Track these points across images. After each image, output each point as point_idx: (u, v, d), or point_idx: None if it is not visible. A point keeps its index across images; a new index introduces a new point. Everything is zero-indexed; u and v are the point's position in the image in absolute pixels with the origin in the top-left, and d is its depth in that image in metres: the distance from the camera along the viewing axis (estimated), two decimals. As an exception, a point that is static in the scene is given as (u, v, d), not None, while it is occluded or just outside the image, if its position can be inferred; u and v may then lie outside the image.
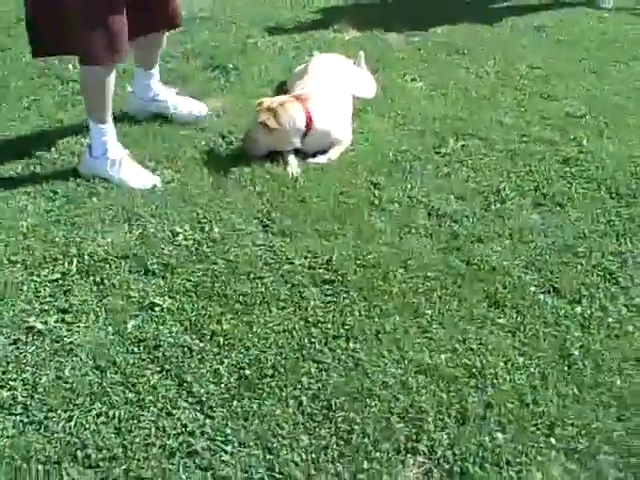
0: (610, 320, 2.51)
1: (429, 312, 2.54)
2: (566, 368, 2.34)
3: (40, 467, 2.03)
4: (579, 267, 2.75)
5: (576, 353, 2.38)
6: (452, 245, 2.87)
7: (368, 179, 3.29)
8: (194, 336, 2.45)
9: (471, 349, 2.40)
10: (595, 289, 2.65)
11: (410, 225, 2.99)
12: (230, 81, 4.26)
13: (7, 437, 2.12)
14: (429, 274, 2.72)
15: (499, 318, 2.53)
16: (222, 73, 4.35)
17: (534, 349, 2.40)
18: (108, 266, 2.77)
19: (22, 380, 2.31)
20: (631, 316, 2.53)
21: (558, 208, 3.10)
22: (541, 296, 2.62)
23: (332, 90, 3.59)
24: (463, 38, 4.86)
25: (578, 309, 2.56)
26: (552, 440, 2.11)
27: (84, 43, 3.03)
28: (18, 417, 2.19)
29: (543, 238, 2.91)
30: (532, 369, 2.33)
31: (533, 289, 2.65)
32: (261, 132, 3.35)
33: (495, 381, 2.28)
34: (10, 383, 2.30)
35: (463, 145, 3.55)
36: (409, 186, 3.23)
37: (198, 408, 2.20)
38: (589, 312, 2.55)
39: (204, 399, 2.23)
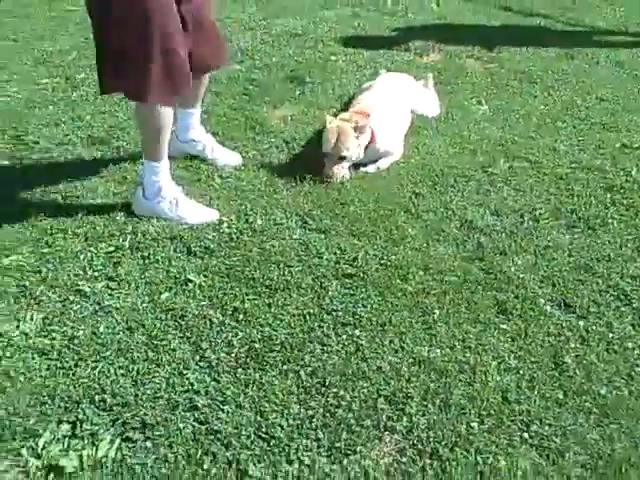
0: (612, 336, 2.59)
1: (437, 312, 2.69)
2: (556, 374, 2.43)
3: (62, 404, 2.31)
4: (594, 286, 2.83)
5: (569, 362, 2.47)
6: (476, 255, 3.00)
7: (411, 189, 3.47)
8: (217, 310, 2.70)
9: (468, 348, 2.53)
10: (605, 307, 2.72)
11: (440, 233, 3.14)
12: (304, 92, 4.53)
13: (40, 377, 2.42)
14: (446, 278, 2.86)
15: (503, 324, 2.64)
16: (299, 85, 4.63)
17: (529, 354, 2.51)
18: (156, 244, 3.06)
19: (62, 332, 2.61)
20: (634, 334, 2.60)
21: (590, 231, 3.17)
22: (549, 308, 2.72)
23: (388, 105, 3.78)
24: (539, 67, 4.96)
25: (581, 323, 2.64)
26: (526, 435, 2.22)
27: (143, 79, 2.93)
28: (52, 362, 2.48)
29: (566, 257, 2.99)
30: (522, 372, 2.44)
31: (543, 301, 2.75)
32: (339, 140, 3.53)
33: (483, 378, 2.41)
34: (52, 333, 2.60)
35: (510, 166, 3.67)
36: (448, 199, 3.39)
37: (207, 371, 2.44)
38: (593, 327, 2.63)
39: (214, 364, 2.46)
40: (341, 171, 3.50)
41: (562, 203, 3.37)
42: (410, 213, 3.29)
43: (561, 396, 2.35)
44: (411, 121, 4.00)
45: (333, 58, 5.10)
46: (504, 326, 2.63)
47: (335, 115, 3.71)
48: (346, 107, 4.01)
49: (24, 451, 2.15)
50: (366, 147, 3.64)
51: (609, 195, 3.42)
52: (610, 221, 3.23)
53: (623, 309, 2.72)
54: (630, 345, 2.55)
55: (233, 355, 2.50)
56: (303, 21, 5.89)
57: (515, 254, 3.01)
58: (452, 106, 4.33)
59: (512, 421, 2.26)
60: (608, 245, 3.07)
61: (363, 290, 2.80)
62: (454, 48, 5.28)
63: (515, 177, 3.58)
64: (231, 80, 4.69)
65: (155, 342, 2.56)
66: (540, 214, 3.27)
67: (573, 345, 2.55)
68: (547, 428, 2.24)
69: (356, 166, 3.64)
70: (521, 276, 2.88)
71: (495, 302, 2.75)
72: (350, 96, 4.35)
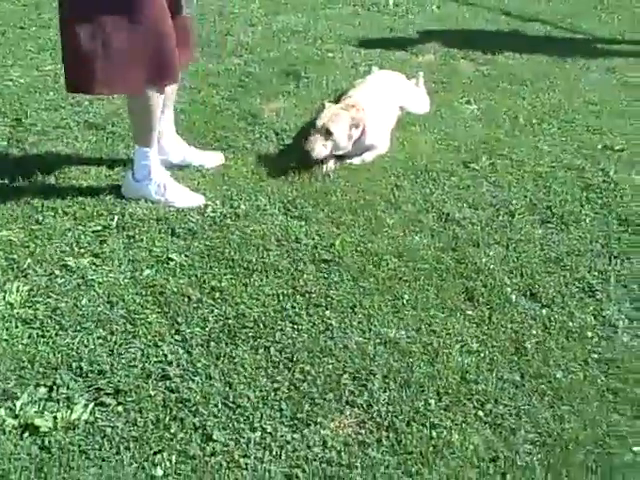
0: (572, 325, 2.69)
1: (406, 297, 2.80)
2: (516, 358, 2.53)
3: (41, 369, 2.43)
4: (561, 278, 2.93)
5: (529, 347, 2.57)
6: (449, 246, 3.11)
7: (393, 182, 3.57)
8: (196, 289, 2.81)
9: (433, 331, 2.64)
10: (569, 297, 2.82)
11: (417, 224, 3.24)
12: (299, 87, 4.64)
13: (21, 344, 2.54)
14: (419, 266, 2.97)
15: (469, 310, 2.75)
16: (294, 79, 4.74)
17: (492, 339, 2.61)
18: (142, 225, 3.18)
19: (45, 303, 2.73)
20: (595, 325, 2.69)
21: (563, 227, 3.26)
22: (515, 297, 2.81)
23: (376, 101, 3.89)
24: (531, 71, 5.05)
25: (545, 311, 2.74)
26: (481, 413, 2.32)
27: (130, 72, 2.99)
28: (34, 331, 2.60)
29: (537, 250, 3.09)
30: (483, 355, 2.54)
31: (509, 290, 2.85)
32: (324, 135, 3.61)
33: (445, 359, 2.51)
34: (35, 305, 2.72)
35: (492, 163, 3.77)
36: (428, 192, 3.49)
37: (181, 344, 2.55)
38: (555, 316, 2.72)
39: (188, 338, 2.57)
40: (322, 150, 3.58)
41: (539, 200, 3.47)
42: (390, 204, 3.39)
43: (518, 378, 2.45)
44: (399, 117, 4.09)
45: (330, 55, 5.20)
46: (470, 312, 2.73)
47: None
48: (336, 101, 4.11)
49: (2, 411, 2.27)
50: (355, 141, 3.74)
51: (585, 194, 3.52)
52: (583, 218, 3.32)
53: (587, 300, 2.82)
54: (589, 334, 2.65)
55: (207, 330, 2.61)
56: (304, 18, 6.01)
57: (487, 246, 3.11)
58: (441, 105, 4.44)
59: (469, 400, 2.36)
60: (579, 240, 3.17)
61: (337, 274, 2.91)
62: (450, 49, 5.38)
63: (495, 174, 3.68)
64: (228, 72, 4.81)
65: (133, 316, 2.67)
66: (516, 209, 3.36)
67: (534, 332, 2.65)
68: (502, 407, 2.34)
69: (341, 158, 3.74)
70: (491, 266, 2.97)
71: (464, 290, 2.85)
72: (342, 91, 4.45)
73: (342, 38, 5.56)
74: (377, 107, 3.89)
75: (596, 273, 2.96)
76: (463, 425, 2.28)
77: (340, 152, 3.69)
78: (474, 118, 4.32)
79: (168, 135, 3.58)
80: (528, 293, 2.85)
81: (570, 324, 2.68)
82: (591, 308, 2.77)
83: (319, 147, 3.58)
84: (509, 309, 2.76)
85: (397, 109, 4.08)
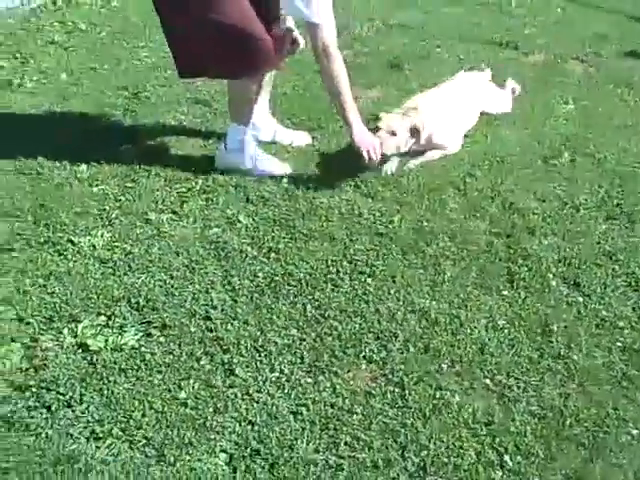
0: (606, 314, 2.72)
1: (448, 273, 2.92)
2: (539, 338, 2.61)
3: (104, 301, 2.76)
4: (609, 271, 2.95)
5: (555, 329, 2.64)
6: (505, 232, 3.19)
7: (466, 170, 3.68)
8: (254, 247, 3.07)
9: (465, 306, 2.75)
10: (612, 290, 2.84)
11: (479, 210, 3.34)
12: (399, 78, 4.80)
13: (93, 279, 2.89)
14: (468, 247, 3.08)
15: (505, 291, 2.84)
16: (397, 71, 4.91)
17: (520, 319, 2.69)
18: (221, 189, 3.47)
19: (122, 248, 3.07)
20: (630, 316, 2.71)
21: (628, 224, 3.26)
22: (556, 284, 2.87)
23: (451, 102, 3.94)
24: (641, 76, 4.96)
25: (581, 299, 2.78)
26: (489, 382, 2.43)
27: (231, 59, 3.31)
28: (107, 269, 2.95)
29: (592, 244, 3.12)
30: (507, 331, 2.63)
31: (552, 276, 2.91)
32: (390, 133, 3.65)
33: (468, 331, 2.63)
34: (113, 248, 3.07)
35: (572, 160, 3.79)
36: (499, 181, 3.57)
37: (229, 293, 2.81)
38: (592, 305, 2.76)
39: (236, 288, 2.83)
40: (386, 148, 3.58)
41: (610, 197, 3.47)
42: (457, 190, 3.51)
43: (536, 356, 2.53)
44: (477, 118, 4.14)
45: (438, 50, 5.33)
46: (506, 292, 2.82)
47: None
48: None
49: (65, 330, 2.61)
50: (421, 140, 3.73)
51: (660, 195, 3.48)
52: (651, 218, 3.29)
53: (630, 294, 2.84)
54: (621, 324, 2.67)
55: (254, 283, 2.86)
56: (423, 15, 6.15)
57: (543, 235, 3.17)
58: (537, 102, 4.47)
59: (480, 369, 2.47)
60: (638, 238, 3.15)
61: (387, 247, 3.07)
62: (562, 50, 5.36)
63: (572, 170, 3.70)
64: (335, 62, 5.02)
65: (193, 265, 2.96)
66: (582, 203, 3.38)
67: (565, 316, 2.70)
68: (511, 380, 2.43)
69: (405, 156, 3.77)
70: (540, 254, 3.04)
71: (506, 272, 2.94)
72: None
73: (454, 35, 5.66)
74: (446, 109, 3.89)
75: (646, 269, 2.95)
76: (468, 391, 2.39)
77: (402, 150, 3.71)
78: (567, 117, 4.32)
79: (262, 114, 3.86)
80: (571, 282, 2.89)
81: (604, 313, 2.72)
82: (632, 301, 2.79)
83: (387, 146, 3.57)
84: (546, 294, 2.82)
85: (476, 110, 4.13)
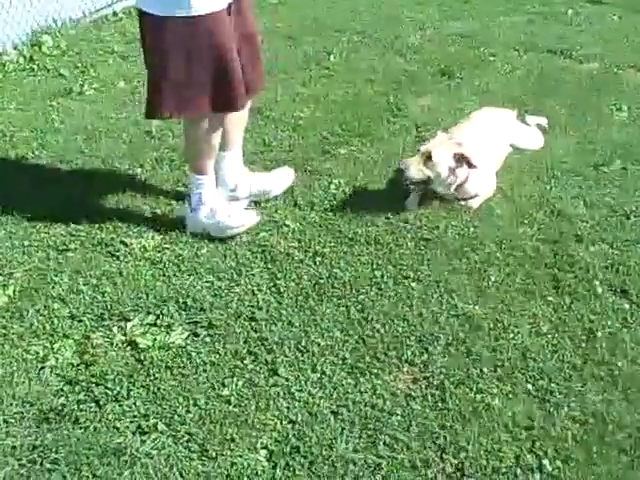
0: (654, 322, 2.68)
1: (493, 278, 2.93)
2: (583, 345, 2.59)
3: (154, 301, 2.85)
4: (659, 279, 2.91)
5: (600, 335, 2.61)
6: (552, 239, 3.17)
7: (515, 178, 3.66)
8: (300, 251, 3.12)
9: (509, 311, 2.75)
10: (661, 298, 2.81)
11: (527, 217, 3.33)
12: (450, 86, 4.81)
13: (144, 279, 2.98)
14: (515, 253, 3.07)
15: (551, 297, 2.82)
16: (448, 79, 4.92)
17: (565, 324, 2.68)
18: (275, 198, 3.51)
19: (172, 250, 3.16)
20: (681, 325, 2.67)
21: (677, 235, 3.21)
22: (602, 291, 2.85)
23: (482, 143, 3.56)
24: None
25: (628, 306, 2.75)
26: (530, 387, 2.42)
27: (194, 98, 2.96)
28: (157, 270, 3.06)
29: (640, 251, 3.08)
30: (551, 337, 2.62)
31: (598, 283, 2.88)
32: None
33: (511, 336, 2.62)
34: (164, 250, 3.17)
35: (624, 167, 3.74)
36: (547, 188, 3.56)
37: (274, 295, 2.87)
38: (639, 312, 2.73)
39: (282, 290, 2.88)
40: (416, 174, 3.30)
41: (662, 206, 3.42)
42: (505, 197, 3.50)
43: (579, 362, 2.51)
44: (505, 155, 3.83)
45: (491, 59, 5.31)
46: (551, 298, 2.81)
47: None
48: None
49: (115, 329, 2.70)
50: (458, 186, 3.41)
51: None
52: (700, 229, 3.24)
53: (680, 303, 2.79)
54: (670, 333, 2.63)
55: (300, 286, 2.90)
56: (477, 24, 6.13)
57: (591, 243, 3.14)
58: (589, 110, 4.41)
59: (523, 374, 2.47)
60: (686, 248, 3.11)
61: (433, 253, 3.09)
62: (618, 58, 5.28)
63: (624, 178, 3.66)
64: (387, 70, 5.08)
65: (240, 267, 3.03)
66: (632, 211, 3.34)
67: (611, 323, 2.67)
68: (553, 385, 2.43)
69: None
70: (588, 260, 3.01)
71: (552, 278, 2.92)
72: (491, 92, 4.56)
73: (508, 44, 5.62)
74: (483, 150, 3.50)
75: (698, 280, 2.90)
76: (510, 395, 2.39)
77: (439, 188, 3.40)
78: (620, 124, 4.27)
79: (234, 170, 3.42)
80: (618, 289, 2.86)
81: (653, 321, 2.68)
82: (681, 310, 2.74)
83: (414, 169, 3.29)
84: (593, 301, 2.80)
85: (505, 149, 3.79)
